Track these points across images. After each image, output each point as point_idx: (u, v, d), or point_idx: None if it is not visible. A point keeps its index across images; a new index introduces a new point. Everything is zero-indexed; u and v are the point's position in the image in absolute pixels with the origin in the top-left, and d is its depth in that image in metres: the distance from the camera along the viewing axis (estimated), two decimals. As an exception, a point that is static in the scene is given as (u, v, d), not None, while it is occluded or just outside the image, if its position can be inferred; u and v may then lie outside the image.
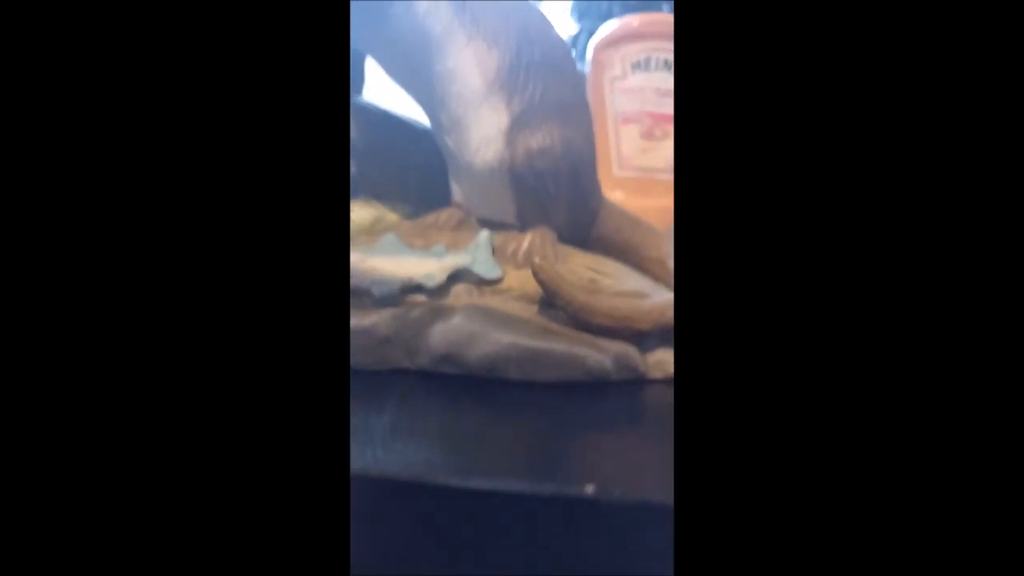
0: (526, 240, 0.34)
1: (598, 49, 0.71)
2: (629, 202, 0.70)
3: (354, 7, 0.32)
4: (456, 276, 0.32)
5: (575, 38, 0.99)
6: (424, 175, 0.40)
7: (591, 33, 0.97)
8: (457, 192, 0.39)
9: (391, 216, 0.38)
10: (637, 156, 0.71)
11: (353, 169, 0.38)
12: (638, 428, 0.28)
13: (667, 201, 0.67)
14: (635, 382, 0.30)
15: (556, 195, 0.36)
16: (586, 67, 0.96)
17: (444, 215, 0.39)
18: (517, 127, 0.35)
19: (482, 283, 0.33)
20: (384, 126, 0.40)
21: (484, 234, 0.34)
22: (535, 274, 0.30)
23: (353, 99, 0.39)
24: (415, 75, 0.36)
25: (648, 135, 0.70)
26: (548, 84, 0.36)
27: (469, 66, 0.35)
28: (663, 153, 0.68)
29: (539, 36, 0.36)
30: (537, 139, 0.35)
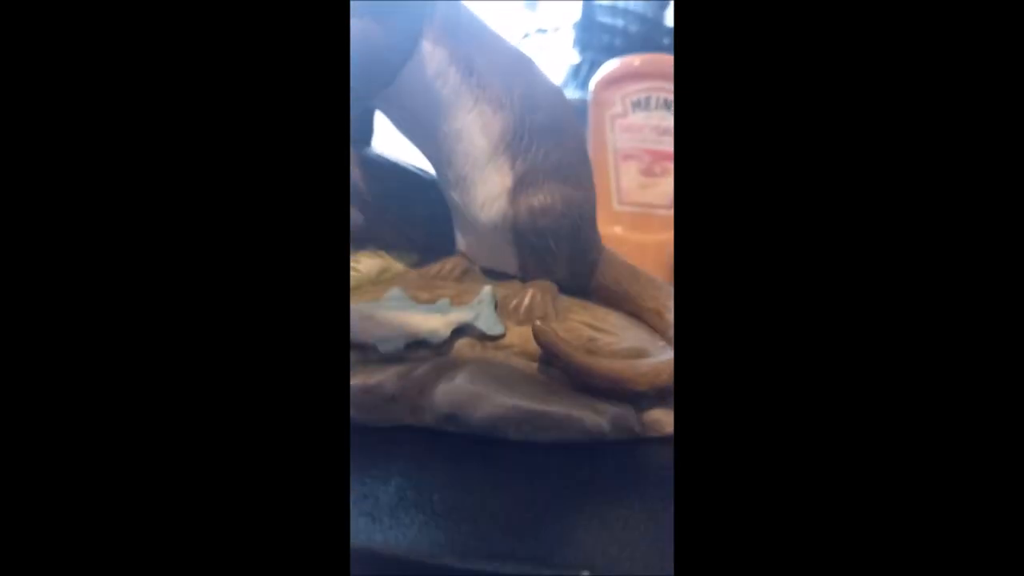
0: (527, 296, 0.36)
1: (599, 87, 0.73)
2: (628, 237, 0.71)
3: (364, 62, 0.34)
4: (460, 331, 0.34)
5: (577, 68, 1.01)
6: (430, 224, 0.42)
7: (592, 64, 0.99)
8: (461, 242, 0.41)
9: (397, 266, 0.40)
10: (636, 192, 0.73)
11: (361, 220, 0.39)
12: (634, 487, 0.29)
13: (664, 236, 0.69)
14: (631, 442, 0.31)
15: (557, 251, 0.38)
16: (587, 100, 0.98)
17: (449, 265, 0.40)
18: (520, 187, 0.37)
19: (485, 338, 0.34)
20: (391, 177, 0.41)
21: (487, 290, 0.36)
22: (535, 336, 0.31)
23: (362, 151, 0.41)
24: (423, 132, 0.38)
25: (647, 172, 0.72)
26: (550, 145, 0.37)
27: (475, 128, 0.36)
28: (662, 190, 0.70)
29: (543, 99, 0.37)
30: (539, 198, 0.37)
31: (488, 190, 0.37)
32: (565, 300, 0.38)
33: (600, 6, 0.94)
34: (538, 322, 0.31)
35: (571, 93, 1.05)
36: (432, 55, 0.35)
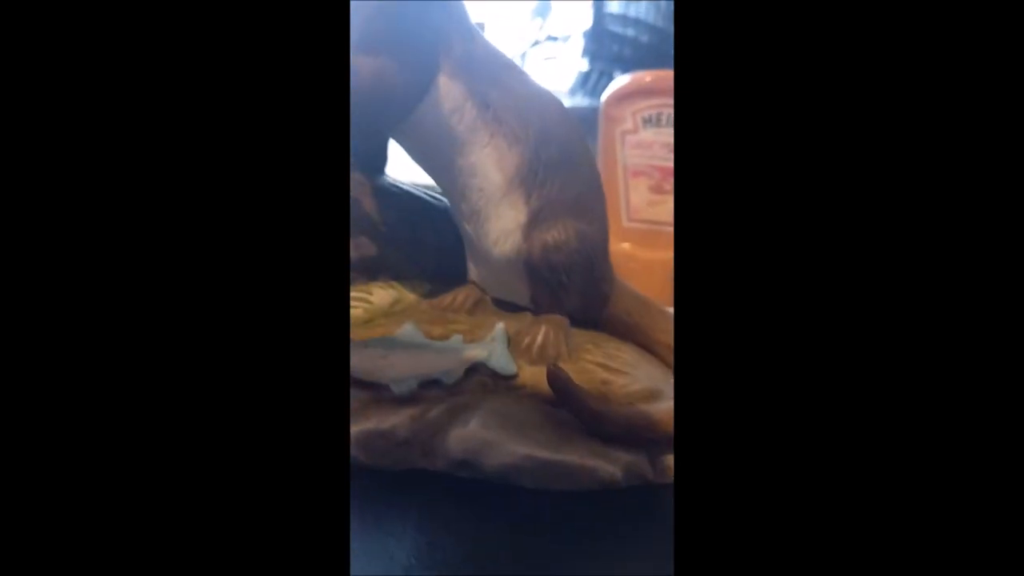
0: (540, 334, 0.35)
1: (610, 103, 0.72)
2: (636, 253, 0.71)
3: (380, 100, 0.33)
4: (473, 368, 0.34)
5: (586, 76, 1.01)
6: (441, 252, 0.41)
7: (601, 74, 0.99)
8: (473, 272, 0.41)
9: (409, 296, 0.40)
10: (645, 209, 0.72)
11: (374, 251, 0.39)
12: (647, 534, 0.29)
13: (673, 254, 0.68)
14: (645, 488, 0.31)
15: (570, 285, 0.37)
16: (595, 108, 0.97)
17: (461, 295, 0.40)
18: (535, 222, 0.36)
19: (498, 378, 0.34)
20: (404, 204, 0.41)
21: (500, 327, 0.36)
22: (549, 381, 0.31)
23: (375, 179, 0.41)
24: (437, 165, 0.37)
25: (657, 189, 0.72)
26: (565, 180, 0.37)
27: (490, 163, 0.36)
28: (671, 207, 0.69)
29: (558, 132, 0.37)
30: (553, 234, 0.36)
31: (502, 225, 0.37)
32: (577, 335, 0.37)
33: (611, 15, 0.93)
34: (552, 366, 0.31)
35: (579, 101, 1.05)
36: (449, 90, 0.34)
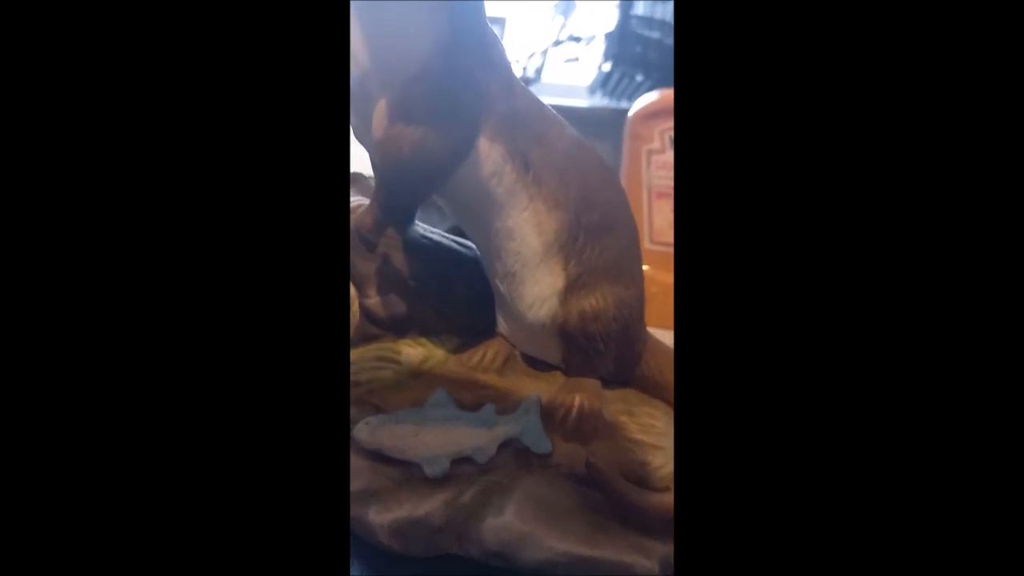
0: (575, 407, 0.35)
1: (637, 121, 0.71)
2: (656, 276, 0.70)
3: (421, 169, 0.32)
4: (506, 442, 0.33)
5: (607, 76, 0.98)
6: (471, 304, 0.40)
7: (623, 75, 0.96)
8: (503, 326, 0.39)
9: (438, 352, 0.39)
10: (668, 231, 0.71)
11: (404, 308, 0.37)
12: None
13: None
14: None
15: (605, 352, 0.36)
16: (614, 108, 0.95)
17: (491, 351, 0.39)
18: (572, 288, 0.35)
19: (531, 453, 0.33)
20: (433, 257, 0.40)
21: (533, 399, 0.35)
22: (588, 471, 0.30)
23: (405, 231, 0.39)
24: (473, 224, 0.36)
25: (681, 211, 0.70)
26: (605, 245, 0.36)
27: (528, 227, 0.35)
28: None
29: (599, 195, 0.36)
30: (591, 302, 0.35)
31: (539, 291, 0.36)
32: (610, 397, 0.37)
33: (635, 17, 0.90)
34: (590, 460, 0.30)
35: (598, 100, 1.03)
36: (489, 153, 0.33)
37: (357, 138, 0.34)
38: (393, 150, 0.31)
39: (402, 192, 0.33)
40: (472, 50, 0.31)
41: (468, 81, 0.31)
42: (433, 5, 0.30)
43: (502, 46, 0.34)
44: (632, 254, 0.38)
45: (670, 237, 0.70)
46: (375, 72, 0.31)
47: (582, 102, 0.99)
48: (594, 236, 0.35)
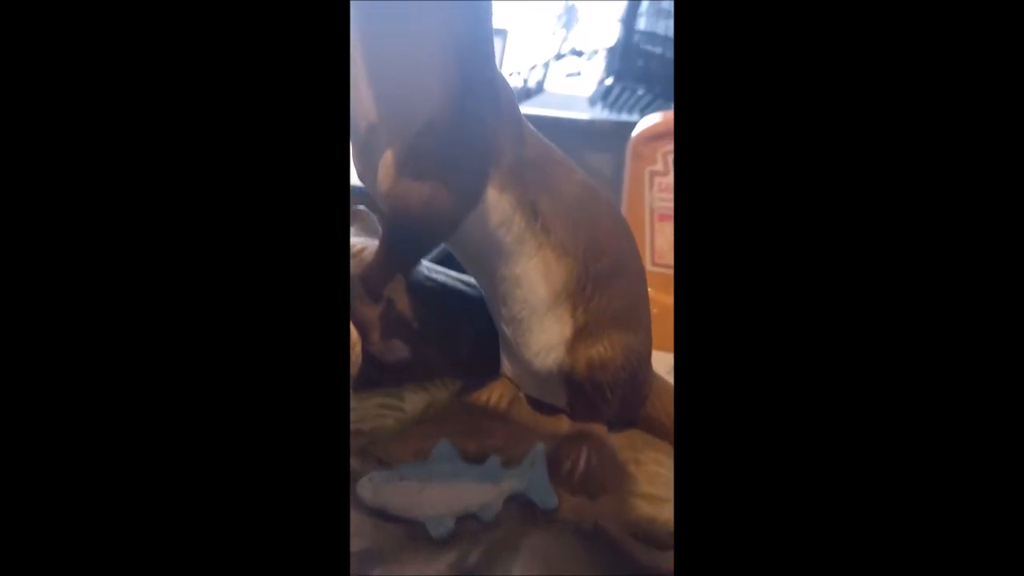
0: (582, 459, 0.34)
1: (639, 142, 0.70)
2: (658, 298, 0.69)
3: (428, 223, 0.31)
4: (512, 496, 0.32)
5: (608, 89, 0.97)
6: (475, 343, 0.40)
7: (624, 88, 0.95)
8: (507, 367, 0.39)
9: (441, 396, 0.38)
10: (669, 253, 0.70)
11: (407, 353, 0.37)
12: None
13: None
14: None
15: (612, 398, 0.36)
16: (614, 121, 0.94)
17: (496, 394, 0.38)
18: (580, 337, 0.35)
19: (536, 508, 0.32)
20: (437, 298, 0.39)
21: (538, 450, 0.34)
22: (600, 532, 0.30)
23: (409, 275, 0.39)
24: (480, 270, 0.35)
25: (683, 233, 0.70)
26: (614, 293, 0.35)
27: (536, 275, 0.34)
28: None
29: (608, 243, 0.35)
30: (599, 350, 0.35)
31: (546, 339, 0.35)
32: (617, 449, 0.36)
33: (638, 32, 0.89)
34: (597, 524, 0.30)
35: (599, 112, 1.02)
36: (498, 203, 0.32)
37: (362, 182, 0.34)
38: (402, 206, 0.30)
39: (409, 245, 0.32)
40: (482, 98, 0.31)
41: (477, 131, 0.31)
42: (444, 53, 0.29)
43: (512, 90, 0.33)
44: (640, 300, 0.37)
45: (671, 259, 0.69)
46: (383, 122, 0.30)
47: (583, 114, 0.99)
48: (603, 284, 0.35)
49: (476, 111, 0.30)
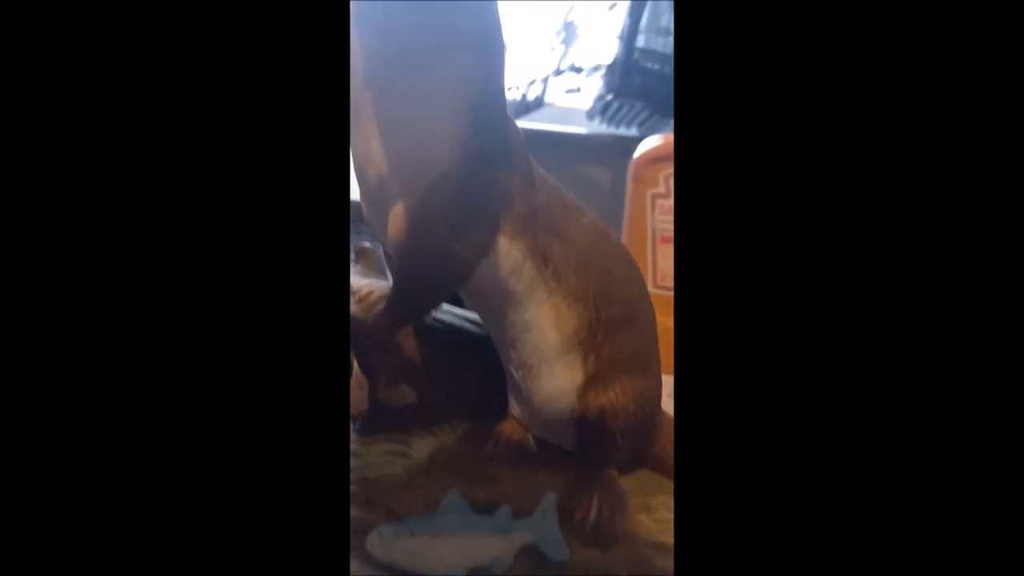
0: (593, 509, 0.34)
1: (642, 163, 0.70)
2: (660, 320, 0.69)
3: (439, 275, 0.31)
4: (523, 548, 0.32)
5: (607, 104, 0.97)
6: (482, 383, 0.39)
7: (622, 104, 0.95)
8: (515, 408, 0.38)
9: (449, 440, 0.38)
10: (671, 276, 0.70)
11: (414, 398, 0.36)
12: None
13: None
14: None
15: (622, 444, 0.35)
16: (614, 136, 0.93)
17: (504, 437, 0.38)
18: (591, 383, 0.34)
19: (548, 560, 0.32)
20: (445, 340, 0.39)
21: (549, 500, 0.34)
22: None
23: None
24: (490, 316, 0.35)
25: (685, 256, 0.69)
26: (625, 338, 0.35)
27: (547, 321, 0.33)
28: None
29: (619, 289, 0.35)
30: (610, 397, 0.34)
31: (556, 385, 0.34)
32: (627, 495, 0.36)
33: (637, 49, 0.89)
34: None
35: (598, 127, 1.01)
36: (509, 252, 0.32)
37: (369, 227, 0.33)
38: (413, 260, 0.30)
39: (420, 297, 0.32)
40: (494, 149, 0.30)
41: (490, 183, 0.30)
42: (456, 106, 0.28)
43: (522, 137, 0.33)
44: (651, 344, 0.37)
45: (672, 282, 0.69)
46: (394, 175, 0.29)
47: (581, 128, 0.98)
48: (614, 330, 0.34)
49: (488, 163, 0.30)
